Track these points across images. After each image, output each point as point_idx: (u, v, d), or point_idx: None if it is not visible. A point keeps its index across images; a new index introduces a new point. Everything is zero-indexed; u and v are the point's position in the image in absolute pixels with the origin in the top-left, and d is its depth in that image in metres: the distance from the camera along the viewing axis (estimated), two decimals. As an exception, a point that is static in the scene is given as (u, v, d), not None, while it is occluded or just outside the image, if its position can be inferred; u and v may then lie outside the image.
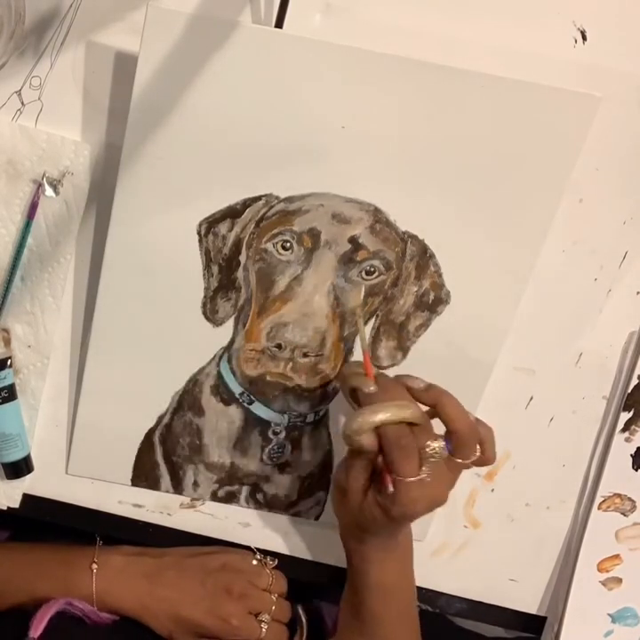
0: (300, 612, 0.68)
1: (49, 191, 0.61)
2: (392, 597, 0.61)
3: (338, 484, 0.59)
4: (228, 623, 0.64)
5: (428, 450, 0.53)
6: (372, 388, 0.55)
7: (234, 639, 0.65)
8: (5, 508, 0.69)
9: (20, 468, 0.67)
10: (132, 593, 0.64)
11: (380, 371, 0.61)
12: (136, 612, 0.64)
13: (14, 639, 0.60)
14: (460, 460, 0.55)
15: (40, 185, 0.61)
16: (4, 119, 0.60)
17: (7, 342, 0.64)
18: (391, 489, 0.53)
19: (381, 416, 0.53)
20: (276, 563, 0.69)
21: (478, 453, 0.56)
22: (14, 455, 0.66)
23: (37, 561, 0.65)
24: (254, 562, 0.68)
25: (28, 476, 0.67)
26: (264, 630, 0.65)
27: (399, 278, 0.62)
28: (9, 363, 0.64)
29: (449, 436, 0.55)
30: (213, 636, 0.65)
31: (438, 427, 0.56)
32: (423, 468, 0.53)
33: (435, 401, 0.56)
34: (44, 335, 0.65)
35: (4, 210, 0.62)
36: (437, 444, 0.54)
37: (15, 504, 0.69)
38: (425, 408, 0.56)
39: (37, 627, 0.60)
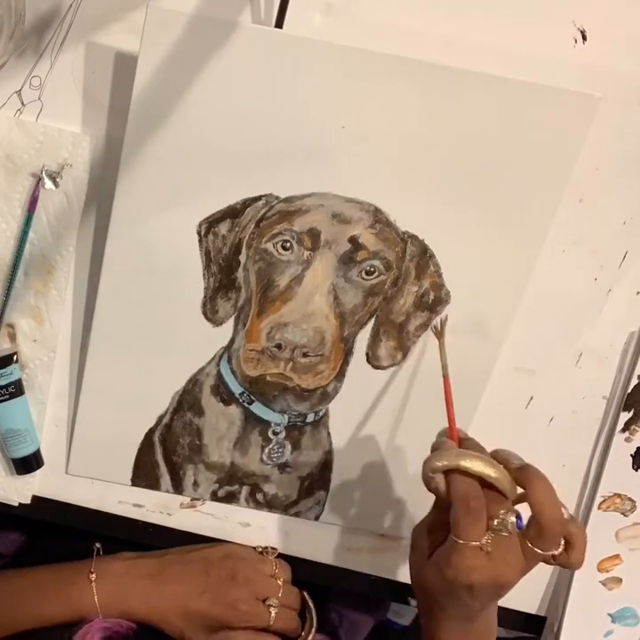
0: (307, 597, 0.67)
1: (48, 184, 0.60)
2: None
3: (411, 540, 0.55)
4: (237, 609, 0.63)
5: (495, 520, 0.49)
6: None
7: (244, 626, 0.63)
8: (17, 504, 0.69)
9: (30, 464, 0.67)
10: (138, 595, 0.63)
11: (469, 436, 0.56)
12: (144, 615, 0.63)
13: None
14: (537, 550, 0.50)
15: (40, 178, 0.60)
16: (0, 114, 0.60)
17: (12, 337, 0.64)
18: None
19: (464, 462, 0.49)
20: (277, 552, 0.69)
21: (561, 549, 0.50)
22: (24, 450, 0.66)
23: (41, 584, 0.63)
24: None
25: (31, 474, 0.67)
26: (273, 615, 0.64)
27: (399, 278, 0.62)
28: (15, 358, 0.64)
29: (532, 521, 0.50)
30: (224, 625, 0.63)
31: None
32: (485, 538, 0.49)
33: (525, 482, 0.50)
34: (49, 328, 0.64)
35: (3, 205, 0.61)
36: (508, 518, 0.49)
37: (26, 500, 0.68)
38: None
39: None
